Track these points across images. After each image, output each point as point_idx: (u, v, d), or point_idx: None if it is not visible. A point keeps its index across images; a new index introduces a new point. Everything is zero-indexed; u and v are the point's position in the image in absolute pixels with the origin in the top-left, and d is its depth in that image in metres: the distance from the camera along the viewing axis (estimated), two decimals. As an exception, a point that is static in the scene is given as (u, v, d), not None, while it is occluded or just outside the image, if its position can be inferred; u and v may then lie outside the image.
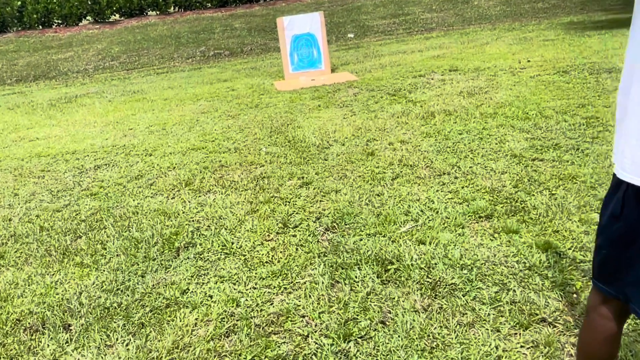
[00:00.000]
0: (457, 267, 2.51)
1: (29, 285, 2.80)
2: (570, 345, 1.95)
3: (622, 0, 13.63)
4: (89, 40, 16.50)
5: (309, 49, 8.27)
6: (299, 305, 2.36)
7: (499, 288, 2.32)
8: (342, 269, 2.61)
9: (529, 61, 7.20)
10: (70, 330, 2.38)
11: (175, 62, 12.85)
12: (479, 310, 2.19)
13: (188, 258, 2.90)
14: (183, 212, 3.51)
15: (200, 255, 2.92)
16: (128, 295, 2.59)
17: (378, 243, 2.81)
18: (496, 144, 4.12)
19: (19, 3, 17.81)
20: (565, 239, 2.65)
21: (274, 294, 2.49)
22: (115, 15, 19.49)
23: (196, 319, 2.35)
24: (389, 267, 2.57)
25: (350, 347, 2.07)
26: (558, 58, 7.21)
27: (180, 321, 2.34)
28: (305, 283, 2.53)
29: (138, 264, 2.89)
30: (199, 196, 3.77)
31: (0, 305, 2.64)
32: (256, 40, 14.39)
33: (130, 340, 2.26)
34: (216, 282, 2.63)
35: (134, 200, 3.83)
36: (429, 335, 2.08)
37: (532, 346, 1.98)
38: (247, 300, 2.45)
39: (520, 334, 2.04)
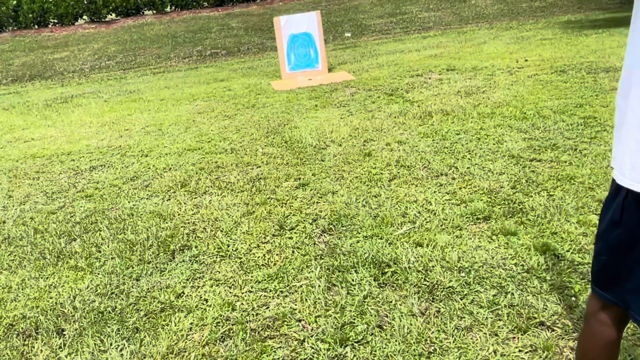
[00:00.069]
0: (455, 269, 2.49)
1: (22, 289, 2.77)
2: (569, 349, 1.93)
3: (619, -1, 13.63)
4: (85, 39, 16.44)
5: (306, 48, 8.24)
6: (295, 309, 2.34)
7: (497, 291, 2.30)
8: (339, 271, 2.59)
9: (526, 60, 7.18)
10: (64, 335, 2.35)
11: (171, 61, 12.81)
12: (477, 313, 2.17)
13: (183, 261, 2.87)
14: (178, 214, 3.48)
15: (196, 258, 2.89)
16: (122, 299, 2.56)
17: (375, 245, 2.78)
18: (494, 144, 4.10)
19: (15, 2, 17.74)
20: (563, 241, 2.63)
21: (270, 297, 2.46)
22: (111, 15, 19.42)
23: (191, 323, 2.32)
24: (386, 270, 2.54)
25: (346, 352, 2.04)
26: (555, 57, 7.19)
27: (175, 325, 2.31)
28: (301, 286, 2.51)
29: (133, 267, 2.86)
30: (195, 198, 3.74)
31: (-7, 309, 2.62)
32: (253, 39, 14.35)
33: (124, 345, 2.23)
34: (211, 286, 2.60)
35: (129, 202, 3.80)
36: (426, 340, 2.05)
37: (530, 350, 1.96)
38: (242, 304, 2.42)
39: (518, 338, 2.02)
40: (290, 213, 3.31)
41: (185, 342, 2.20)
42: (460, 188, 3.39)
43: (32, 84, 11.78)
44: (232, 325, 2.28)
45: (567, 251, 2.54)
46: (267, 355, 2.08)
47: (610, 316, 1.35)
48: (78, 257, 3.05)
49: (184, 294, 2.56)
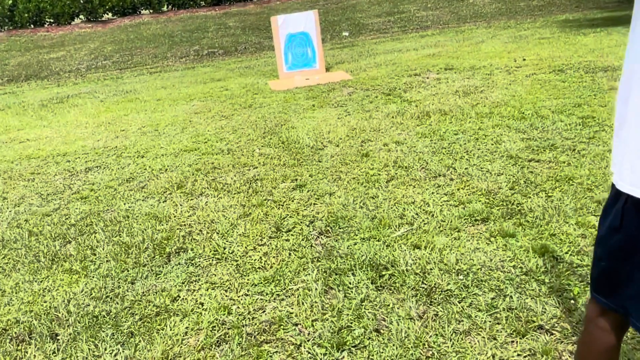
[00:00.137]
0: (453, 272, 2.46)
1: (16, 293, 2.74)
2: (568, 353, 1.91)
3: (617, -2, 13.62)
4: (82, 39, 16.39)
5: (304, 47, 8.21)
6: (292, 313, 2.32)
7: (495, 294, 2.27)
8: (336, 274, 2.56)
9: (524, 60, 7.16)
10: (58, 340, 2.32)
11: (168, 61, 12.77)
12: (475, 317, 2.14)
13: (179, 264, 2.85)
14: (174, 216, 3.45)
15: (192, 260, 2.87)
16: (117, 303, 2.53)
17: (372, 247, 2.76)
18: (492, 144, 4.08)
19: (10, 2, 17.66)
20: (562, 243, 2.61)
21: (266, 301, 2.44)
22: (108, 14, 19.36)
23: (186, 327, 2.30)
24: (383, 273, 2.52)
25: (343, 357, 2.02)
26: (554, 56, 7.18)
27: (171, 330, 2.29)
28: (298, 289, 2.49)
29: (128, 270, 2.83)
30: (191, 199, 3.71)
31: (-13, 313, 2.59)
32: (250, 39, 14.32)
33: (119, 350, 2.20)
34: (207, 289, 2.57)
35: (124, 203, 3.77)
36: (424, 344, 2.03)
37: (529, 354, 1.93)
38: (238, 307, 2.40)
39: (517, 341, 2.00)
40: (287, 215, 3.28)
41: (181, 347, 2.17)
42: (458, 189, 3.36)
43: (27, 84, 11.73)
44: (228, 329, 2.25)
45: (566, 253, 2.52)
46: (263, 360, 2.05)
47: (610, 322, 1.33)
48: (73, 260, 3.02)
49: (180, 297, 2.54)
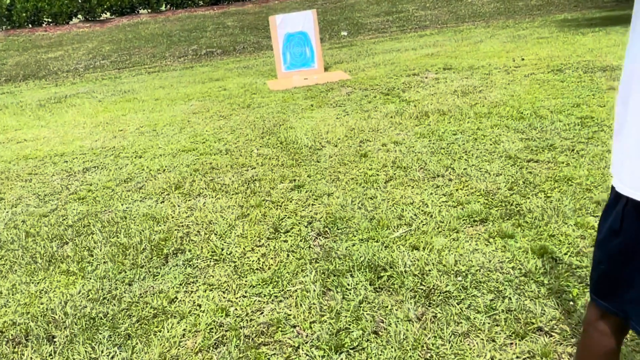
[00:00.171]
0: (452, 273, 2.45)
1: (12, 295, 2.73)
2: (568, 355, 1.90)
3: (615, -3, 13.62)
4: (80, 39, 16.35)
5: (302, 47, 8.20)
6: (290, 315, 2.30)
7: (494, 296, 2.26)
8: (334, 276, 2.55)
9: (523, 59, 7.16)
10: (55, 342, 2.31)
11: (167, 61, 12.75)
12: (474, 319, 2.13)
13: (177, 265, 2.83)
14: (172, 217, 3.44)
15: (189, 262, 2.85)
16: (114, 305, 2.52)
17: (371, 249, 2.75)
18: (491, 144, 4.07)
19: (8, 1, 17.62)
20: (561, 244, 2.60)
21: (264, 302, 2.43)
22: (106, 14, 19.32)
23: (184, 329, 2.28)
24: (382, 274, 2.51)
25: (342, 359, 2.01)
26: (552, 56, 7.17)
27: (168, 332, 2.27)
28: (296, 291, 2.47)
29: (125, 272, 2.82)
30: (189, 200, 3.70)
31: (-17, 315, 2.57)
32: (249, 38, 14.30)
33: (115, 352, 2.19)
34: (205, 291, 2.56)
35: (122, 204, 3.76)
36: (422, 346, 2.02)
37: (528, 357, 1.92)
38: (236, 309, 2.39)
39: (516, 343, 1.99)
40: (285, 215, 3.27)
41: (178, 349, 2.16)
42: (457, 189, 3.35)
43: (25, 83, 11.70)
44: (226, 331, 2.24)
45: (565, 254, 2.51)
46: (261, 363, 2.04)
47: (609, 325, 1.32)
48: (70, 261, 3.00)
49: (177, 299, 2.52)
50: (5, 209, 3.93)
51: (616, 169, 1.17)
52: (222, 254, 2.89)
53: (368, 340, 2.09)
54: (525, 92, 5.44)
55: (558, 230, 2.72)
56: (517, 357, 1.93)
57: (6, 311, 2.59)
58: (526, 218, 2.89)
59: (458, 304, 2.24)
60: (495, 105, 5.08)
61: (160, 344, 2.20)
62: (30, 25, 18.40)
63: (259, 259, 2.80)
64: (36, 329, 2.40)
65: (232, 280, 2.63)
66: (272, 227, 3.13)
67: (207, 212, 3.45)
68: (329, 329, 2.18)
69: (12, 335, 2.38)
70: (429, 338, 2.06)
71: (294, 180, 3.83)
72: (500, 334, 2.04)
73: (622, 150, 1.15)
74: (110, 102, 7.90)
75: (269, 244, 2.95)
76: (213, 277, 2.68)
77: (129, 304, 2.52)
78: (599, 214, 2.80)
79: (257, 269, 2.71)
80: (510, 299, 2.23)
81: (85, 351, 2.21)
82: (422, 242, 2.75)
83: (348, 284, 2.47)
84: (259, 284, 2.56)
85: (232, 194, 3.70)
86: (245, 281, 2.60)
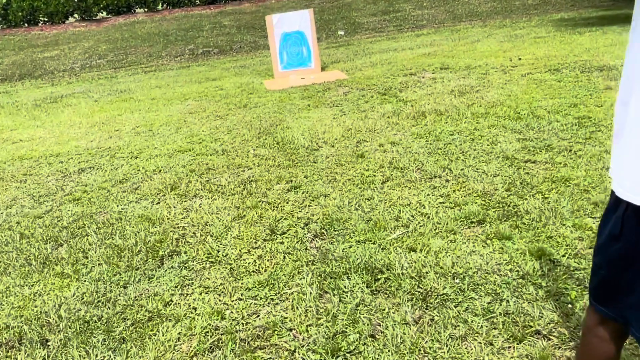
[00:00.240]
0: (449, 276, 2.44)
1: (6, 297, 2.70)
2: (566, 359, 1.89)
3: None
4: (76, 38, 16.29)
5: (299, 47, 8.17)
6: (286, 318, 2.28)
7: (491, 298, 2.25)
8: (331, 278, 2.53)
9: (520, 59, 7.15)
10: (48, 346, 2.28)
11: (163, 60, 12.71)
12: (472, 322, 2.12)
13: (172, 267, 2.81)
14: (168, 218, 3.42)
15: (185, 264, 2.83)
16: (109, 308, 2.50)
17: (368, 250, 2.73)
18: (488, 145, 4.06)
19: (4, 1, 17.55)
20: (559, 245, 2.58)
21: (260, 305, 2.40)
22: (102, 13, 19.25)
23: (179, 333, 2.26)
24: (379, 277, 2.49)
25: (338, 363, 1.99)
26: (549, 55, 7.16)
27: (163, 335, 2.25)
28: (292, 294, 2.45)
29: (120, 274, 2.79)
30: (185, 201, 3.67)
31: (-24, 319, 2.54)
32: (245, 37, 14.26)
33: (110, 356, 2.17)
34: (201, 293, 2.54)
35: (117, 205, 3.73)
36: (420, 350, 2.00)
37: (526, 360, 1.91)
38: (232, 312, 2.37)
39: (514, 347, 1.97)
40: (282, 217, 3.25)
41: (173, 354, 2.14)
42: (454, 190, 3.34)
43: (21, 83, 11.65)
44: (221, 335, 2.22)
45: (563, 256, 2.49)
46: (256, 367, 2.02)
47: (609, 331, 1.30)
48: (64, 263, 2.98)
49: (173, 302, 2.50)
50: (-1, 210, 3.91)
51: (616, 173, 1.15)
52: (218, 256, 2.86)
53: (365, 343, 2.07)
54: (523, 92, 5.43)
55: (556, 232, 2.71)
56: (515, 361, 1.91)
57: (0, 314, 2.56)
58: (524, 219, 2.88)
59: (455, 307, 2.22)
60: (493, 105, 5.07)
61: (155, 348, 2.17)
62: (26, 25, 18.33)
63: (255, 261, 2.78)
64: (30, 332, 2.37)
65: (227, 282, 2.60)
66: (269, 229, 3.11)
67: (203, 213, 3.43)
68: (325, 332, 2.16)
69: (5, 339, 2.36)
70: (426, 341, 2.04)
71: (291, 181, 3.81)
72: (498, 337, 2.03)
73: (622, 154, 1.13)
74: (107, 101, 7.86)
75: (265, 246, 2.93)
76: (209, 279, 2.66)
77: (123, 307, 2.49)
78: (597, 215, 2.80)
79: (253, 271, 2.69)
80: (508, 301, 2.21)
81: (79, 355, 2.19)
82: (419, 243, 2.74)
83: (345, 287, 2.45)
84: (255, 287, 2.54)
85: (228, 195, 3.68)
86: (241, 284, 2.58)
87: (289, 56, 8.16)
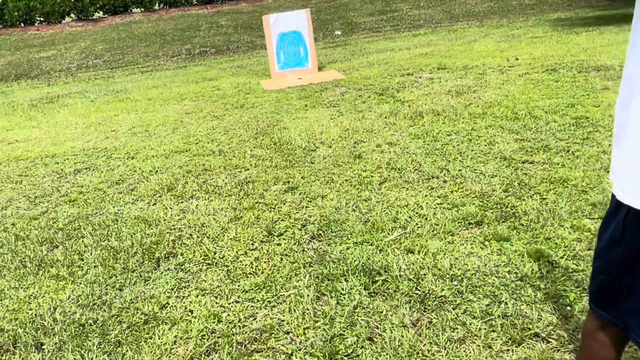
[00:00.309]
0: (447, 278, 2.42)
1: (1, 300, 2.68)
2: (565, 362, 1.88)
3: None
4: (72, 38, 16.24)
5: (296, 47, 8.15)
6: (283, 321, 2.27)
7: (490, 300, 2.24)
8: (328, 280, 2.52)
9: (517, 59, 7.14)
10: (43, 349, 2.26)
11: (160, 60, 12.67)
12: (470, 324, 2.10)
13: (168, 269, 2.79)
14: (164, 220, 3.39)
15: (181, 266, 2.81)
16: (105, 311, 2.48)
17: (365, 252, 2.72)
18: (485, 145, 4.05)
19: (0, 0, 17.47)
20: (557, 247, 2.57)
21: (257, 308, 2.39)
22: (98, 13, 19.20)
23: (175, 336, 2.24)
24: (376, 279, 2.48)
25: (336, 367, 1.98)
26: (546, 55, 7.16)
27: (159, 339, 2.23)
28: (289, 296, 2.44)
29: (116, 276, 2.77)
30: (181, 202, 3.65)
31: (-30, 322, 2.52)
32: (242, 37, 14.24)
33: (105, 360, 2.15)
34: (197, 296, 2.52)
35: (113, 206, 3.71)
36: (418, 353, 1.99)
37: (525, 363, 1.90)
38: (229, 315, 2.35)
39: (512, 350, 1.96)
40: (279, 218, 3.23)
41: (169, 357, 2.12)
42: (451, 191, 3.33)
43: (17, 83, 11.60)
44: (218, 338, 2.20)
45: (562, 258, 2.48)
46: (253, 370, 2.00)
47: (609, 336, 1.29)
48: (60, 265, 2.95)
49: (169, 304, 2.48)
50: (-6, 211, 3.88)
51: (617, 177, 1.14)
52: (215, 258, 2.85)
53: (363, 347, 2.05)
54: (520, 92, 5.42)
55: (554, 233, 2.70)
56: (514, 364, 1.90)
57: (-6, 317, 2.54)
58: (522, 220, 2.86)
59: (454, 309, 2.21)
60: (490, 106, 5.06)
61: (151, 352, 2.15)
62: (22, 25, 18.26)
63: (252, 263, 2.76)
64: (24, 335, 2.35)
65: (224, 285, 2.59)
66: (266, 230, 3.09)
67: (199, 214, 3.41)
68: (323, 335, 2.14)
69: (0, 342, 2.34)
70: (425, 344, 2.03)
71: (288, 182, 3.79)
72: (496, 340, 2.01)
73: (623, 157, 1.12)
74: (103, 102, 7.83)
75: (262, 248, 2.91)
76: (205, 281, 2.64)
77: (119, 310, 2.47)
78: (595, 216, 2.79)
79: (250, 273, 2.67)
80: (506, 303, 2.20)
81: (75, 359, 2.17)
82: (417, 245, 2.72)
83: (342, 289, 2.43)
84: (252, 289, 2.52)
85: (225, 196, 3.66)
86: (238, 286, 2.56)
87: (286, 56, 8.14)
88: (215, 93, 7.45)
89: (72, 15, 18.82)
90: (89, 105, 7.71)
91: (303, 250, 2.82)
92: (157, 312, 2.42)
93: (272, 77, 8.13)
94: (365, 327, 2.16)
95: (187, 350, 2.15)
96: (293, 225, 3.11)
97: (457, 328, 2.10)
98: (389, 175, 3.69)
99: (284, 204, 3.43)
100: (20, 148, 5.60)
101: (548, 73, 6.12)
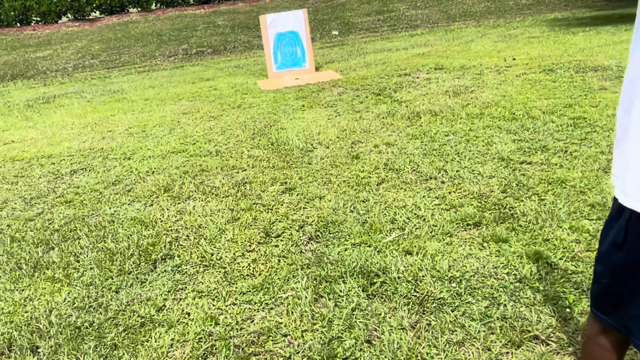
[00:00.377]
0: (445, 279, 2.41)
1: (-4, 303, 2.66)
2: (564, 364, 1.87)
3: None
4: (69, 38, 16.18)
5: (293, 47, 8.14)
6: (281, 323, 2.25)
7: (489, 302, 2.22)
8: (326, 282, 2.50)
9: (514, 59, 7.14)
10: (39, 352, 2.24)
11: (157, 60, 12.64)
12: (469, 327, 2.09)
13: (165, 271, 2.77)
14: (161, 221, 3.37)
15: (178, 268, 2.79)
16: (101, 314, 2.45)
17: (363, 254, 2.70)
18: (483, 146, 4.04)
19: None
20: (556, 248, 2.56)
21: (254, 310, 2.37)
22: (95, 13, 19.14)
23: (172, 339, 2.22)
24: (374, 280, 2.46)
25: (334, 370, 1.96)
26: (543, 55, 7.16)
27: (156, 342, 2.21)
28: (287, 298, 2.42)
29: (112, 278, 2.75)
30: (178, 203, 3.63)
31: (-35, 325, 2.50)
32: (239, 37, 14.21)
33: (101, 363, 2.13)
34: (194, 298, 2.50)
35: (110, 208, 3.69)
36: (417, 356, 1.98)
37: (524, 366, 1.88)
38: (226, 317, 2.33)
39: (512, 352, 1.95)
40: (276, 219, 3.22)
41: (166, 360, 2.10)
42: (449, 192, 3.31)
43: (13, 83, 11.55)
44: (215, 341, 2.18)
45: (560, 259, 2.47)
46: (251, 374, 1.99)
47: (611, 340, 1.28)
48: (55, 267, 2.93)
49: (165, 307, 2.46)
50: (-11, 213, 3.85)
51: (619, 180, 1.13)
52: (212, 260, 2.83)
53: (361, 349, 2.04)
54: (517, 93, 5.42)
55: (553, 234, 2.69)
56: (513, 367, 1.89)
57: (-11, 320, 2.51)
58: (520, 222, 2.85)
59: (452, 311, 2.19)
60: (487, 106, 5.05)
61: (148, 355, 2.14)
62: (18, 24, 18.20)
63: (249, 264, 2.75)
64: (20, 339, 2.33)
65: (221, 287, 2.57)
66: (263, 232, 3.07)
67: (196, 215, 3.39)
68: (321, 338, 2.13)
69: (-6, 345, 2.31)
70: (423, 347, 2.01)
71: (285, 182, 3.78)
72: (495, 342, 2.00)
73: (625, 161, 1.11)
74: (99, 102, 7.80)
75: (259, 249, 2.89)
76: (202, 283, 2.62)
77: (115, 313, 2.45)
78: (594, 217, 2.78)
79: (247, 275, 2.65)
80: (505, 305, 2.19)
81: (70, 362, 2.15)
82: (415, 246, 2.71)
83: (340, 291, 2.42)
84: (250, 291, 2.50)
85: (222, 197, 3.64)
86: (236, 288, 2.55)
87: (283, 56, 8.13)
88: (212, 93, 7.42)
89: (69, 15, 18.76)
90: (85, 105, 7.68)
91: (301, 252, 2.81)
92: (154, 315, 2.40)
93: (269, 78, 8.11)
94: (364, 330, 2.14)
95: (184, 353, 2.13)
96: (291, 227, 3.10)
97: (456, 330, 2.08)
98: (386, 176, 3.67)
99: (282, 205, 3.41)
100: (16, 148, 5.57)
101: (545, 73, 6.12)
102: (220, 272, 2.71)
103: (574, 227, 2.73)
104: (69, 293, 2.66)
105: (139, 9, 19.47)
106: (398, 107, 5.42)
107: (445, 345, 2.01)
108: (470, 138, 4.24)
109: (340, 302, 2.34)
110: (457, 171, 3.62)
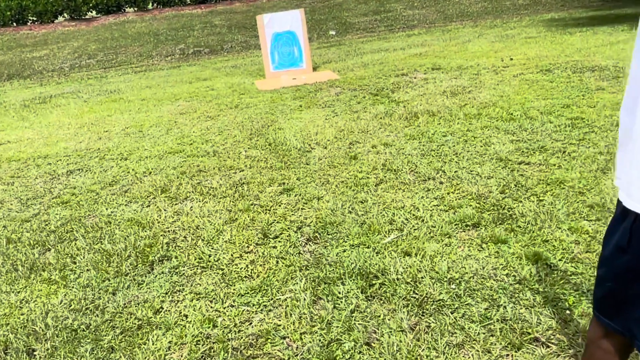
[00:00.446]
0: (445, 281, 2.40)
1: (-8, 305, 2.63)
2: (565, 366, 1.86)
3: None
4: (65, 37, 16.13)
5: (290, 47, 8.12)
6: (279, 325, 2.24)
7: (488, 304, 2.21)
8: (325, 283, 2.49)
9: (511, 59, 7.14)
10: (35, 355, 2.22)
11: (153, 60, 12.60)
12: (469, 329, 2.08)
13: (162, 273, 2.75)
14: (158, 222, 3.35)
15: (176, 269, 2.77)
16: (97, 316, 2.43)
17: (362, 255, 2.69)
18: (481, 146, 4.03)
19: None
20: (555, 249, 2.55)
21: (253, 312, 2.35)
22: (91, 12, 19.07)
23: (169, 341, 2.21)
24: (373, 282, 2.45)
25: (333, 372, 1.95)
26: (541, 56, 7.16)
27: (153, 344, 2.20)
28: (285, 300, 2.41)
29: (109, 280, 2.73)
30: (176, 204, 3.61)
31: (-40, 327, 2.47)
32: (236, 37, 14.18)
33: (98, 366, 2.11)
34: (192, 300, 2.49)
35: (107, 209, 3.66)
36: (416, 358, 1.96)
37: (524, 368, 1.87)
38: (224, 320, 2.31)
39: (512, 355, 1.94)
40: (274, 220, 3.20)
41: (163, 363, 2.09)
42: (448, 193, 3.30)
43: (10, 83, 11.50)
44: (213, 343, 2.17)
45: (560, 260, 2.46)
46: (249, 377, 1.97)
47: (613, 344, 1.26)
48: (52, 269, 2.91)
49: (163, 309, 2.44)
50: (-15, 214, 3.82)
51: (623, 183, 1.11)
52: (210, 261, 2.81)
53: (360, 352, 2.03)
54: (515, 93, 5.41)
55: (552, 235, 2.68)
56: (513, 369, 1.88)
57: (-15, 323, 2.49)
58: (519, 222, 2.84)
59: (452, 313, 2.18)
60: (485, 106, 5.05)
61: (145, 358, 2.12)
62: (14, 24, 18.12)
63: (247, 266, 2.73)
64: (15, 341, 2.31)
65: (219, 288, 2.55)
66: (261, 233, 3.06)
67: (194, 216, 3.37)
68: (319, 340, 2.11)
69: (-10, 348, 2.29)
70: (423, 349, 2.00)
71: (283, 183, 3.76)
72: (495, 344, 1.99)
73: (629, 164, 1.09)
74: (96, 102, 7.76)
75: (257, 250, 2.87)
76: (200, 285, 2.60)
77: (112, 315, 2.43)
78: (593, 218, 2.77)
79: (245, 276, 2.64)
80: (505, 307, 2.18)
81: (67, 365, 2.13)
82: (414, 247, 2.70)
83: (339, 292, 2.40)
84: (248, 293, 2.49)
85: (220, 198, 3.62)
86: (233, 290, 2.53)
87: (280, 56, 8.11)
88: (209, 93, 7.40)
89: (65, 14, 18.69)
90: (81, 105, 7.64)
91: (299, 253, 2.79)
92: (151, 317, 2.38)
93: (267, 77, 8.09)
94: (363, 332, 2.13)
95: (181, 356, 2.11)
96: (289, 228, 3.08)
97: (455, 332, 2.07)
98: (384, 177, 3.66)
99: (280, 205, 3.40)
100: (12, 149, 5.54)
101: (543, 73, 6.11)
102: (218, 273, 2.69)
103: (573, 228, 2.72)
104: (65, 295, 2.64)
105: (136, 9, 19.41)
106: (395, 108, 5.41)
107: (445, 348, 2.00)
108: (468, 138, 4.23)
109: (339, 304, 2.32)
110: (455, 172, 3.61)
